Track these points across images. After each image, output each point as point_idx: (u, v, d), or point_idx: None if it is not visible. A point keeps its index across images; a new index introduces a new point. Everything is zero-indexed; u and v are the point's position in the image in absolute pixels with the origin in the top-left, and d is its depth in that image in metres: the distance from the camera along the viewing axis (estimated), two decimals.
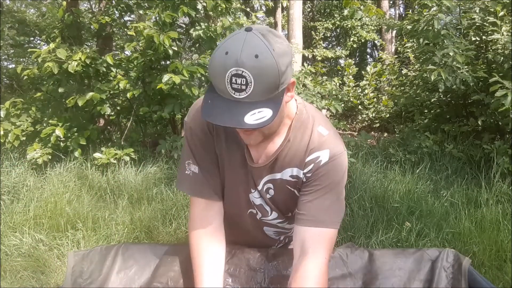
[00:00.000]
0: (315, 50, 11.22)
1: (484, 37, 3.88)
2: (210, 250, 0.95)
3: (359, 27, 11.35)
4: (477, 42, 4.00)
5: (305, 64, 7.64)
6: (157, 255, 1.03)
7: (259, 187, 0.98)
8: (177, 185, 1.02)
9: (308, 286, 0.83)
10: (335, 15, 11.84)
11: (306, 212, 0.91)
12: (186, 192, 0.99)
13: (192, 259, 0.95)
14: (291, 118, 0.92)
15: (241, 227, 1.09)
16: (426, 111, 5.14)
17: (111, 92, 4.16)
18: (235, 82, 0.71)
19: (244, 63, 0.70)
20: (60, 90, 4.13)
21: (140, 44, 4.02)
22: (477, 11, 3.77)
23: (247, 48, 0.70)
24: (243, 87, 0.71)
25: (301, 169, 0.93)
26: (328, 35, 13.41)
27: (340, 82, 7.44)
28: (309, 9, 13.47)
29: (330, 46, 13.86)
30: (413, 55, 5.84)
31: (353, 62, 9.10)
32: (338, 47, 13.23)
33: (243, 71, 0.70)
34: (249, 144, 0.91)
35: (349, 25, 11.34)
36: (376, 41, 12.30)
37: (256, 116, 0.73)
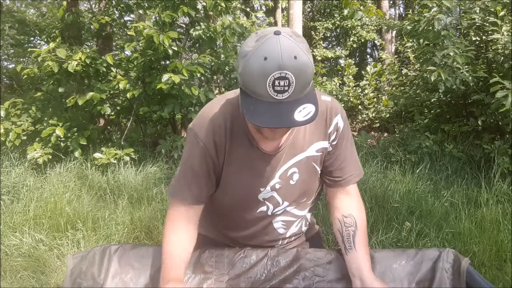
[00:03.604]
0: (315, 50, 11.21)
1: (484, 37, 3.87)
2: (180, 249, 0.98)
3: (359, 27, 11.33)
4: (477, 42, 3.99)
5: None
6: (153, 260, 1.02)
7: (277, 177, 0.99)
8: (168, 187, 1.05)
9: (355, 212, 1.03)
10: (335, 15, 11.82)
11: (346, 174, 1.03)
12: (169, 192, 1.03)
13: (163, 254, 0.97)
14: None
15: (250, 227, 1.08)
16: (426, 111, 5.14)
17: (111, 92, 4.16)
18: (278, 84, 0.73)
19: (287, 65, 0.72)
20: (60, 90, 4.13)
21: (140, 44, 4.03)
22: (477, 11, 3.77)
23: (285, 50, 0.73)
24: (286, 88, 0.74)
25: (326, 140, 0.99)
26: (328, 35, 13.40)
27: (340, 82, 7.43)
28: (309, 9, 13.47)
29: (330, 46, 13.84)
30: (413, 55, 5.84)
31: (353, 62, 9.09)
32: (338, 47, 13.21)
33: (286, 73, 0.73)
34: (274, 139, 0.92)
35: (349, 25, 11.32)
36: (376, 41, 12.29)
37: (303, 113, 0.76)
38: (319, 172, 1.04)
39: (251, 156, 0.96)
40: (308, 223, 1.21)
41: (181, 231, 0.98)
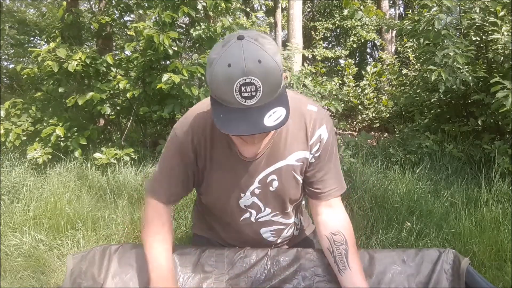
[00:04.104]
0: (315, 50, 11.20)
1: (484, 37, 3.87)
2: (162, 248, 0.98)
3: (359, 27, 11.33)
4: (477, 42, 3.99)
5: (305, 64, 7.64)
6: None
7: (256, 183, 0.98)
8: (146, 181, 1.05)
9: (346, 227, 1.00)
10: (335, 15, 11.83)
11: (327, 188, 1.00)
12: (147, 188, 1.04)
13: (146, 257, 0.97)
14: None
15: (239, 234, 1.09)
16: (426, 111, 5.14)
17: (111, 92, 4.16)
18: (244, 90, 0.72)
19: (251, 70, 0.71)
20: (60, 89, 4.13)
21: (140, 44, 4.02)
22: (477, 11, 3.77)
23: (248, 55, 0.71)
24: (253, 93, 0.73)
25: (307, 150, 0.97)
26: (328, 35, 13.41)
27: (340, 82, 7.43)
28: (309, 9, 13.47)
29: (330, 46, 13.85)
30: (413, 55, 5.84)
31: (353, 62, 9.09)
32: (338, 47, 13.22)
33: (252, 79, 0.71)
34: (254, 144, 0.92)
35: (349, 25, 11.32)
36: (376, 41, 12.29)
37: (273, 117, 0.74)
38: (301, 181, 1.02)
39: (231, 162, 0.96)
40: (299, 227, 1.21)
41: (160, 237, 0.98)
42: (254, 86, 0.72)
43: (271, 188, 1.00)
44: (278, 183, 0.99)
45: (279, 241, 1.14)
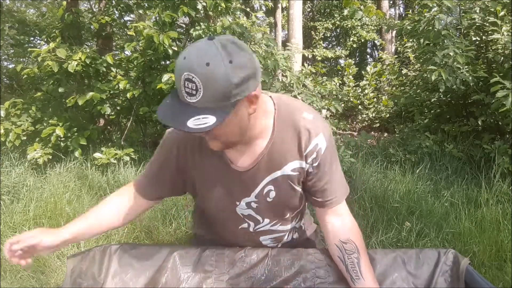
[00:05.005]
0: (315, 50, 11.20)
1: (484, 37, 3.88)
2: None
3: (359, 27, 11.33)
4: (477, 42, 4.00)
5: (305, 64, 7.64)
6: (153, 259, 1.03)
7: (253, 197, 0.98)
8: None
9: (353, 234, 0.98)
10: (335, 15, 11.83)
11: (330, 196, 0.98)
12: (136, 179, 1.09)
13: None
14: (271, 118, 0.93)
15: (238, 238, 1.08)
16: (426, 111, 5.14)
17: (111, 92, 4.16)
18: (187, 86, 0.74)
19: (195, 69, 0.72)
20: (60, 90, 4.13)
21: (140, 44, 4.02)
22: (478, 11, 3.77)
23: (201, 55, 0.73)
24: (194, 92, 0.74)
25: (302, 160, 0.95)
26: (328, 35, 13.41)
27: (340, 82, 7.43)
28: (309, 9, 13.47)
29: (330, 46, 13.85)
30: (413, 55, 5.84)
31: (353, 62, 9.09)
32: (338, 47, 13.22)
33: (193, 77, 0.73)
34: (208, 142, 0.91)
35: (349, 25, 11.32)
36: (376, 41, 12.29)
37: (198, 122, 0.75)
38: (299, 190, 1.01)
39: (222, 172, 0.96)
40: (300, 230, 1.19)
41: (114, 207, 1.03)
42: (195, 85, 0.73)
43: (268, 199, 0.99)
44: (275, 193, 0.98)
45: (279, 245, 1.13)
